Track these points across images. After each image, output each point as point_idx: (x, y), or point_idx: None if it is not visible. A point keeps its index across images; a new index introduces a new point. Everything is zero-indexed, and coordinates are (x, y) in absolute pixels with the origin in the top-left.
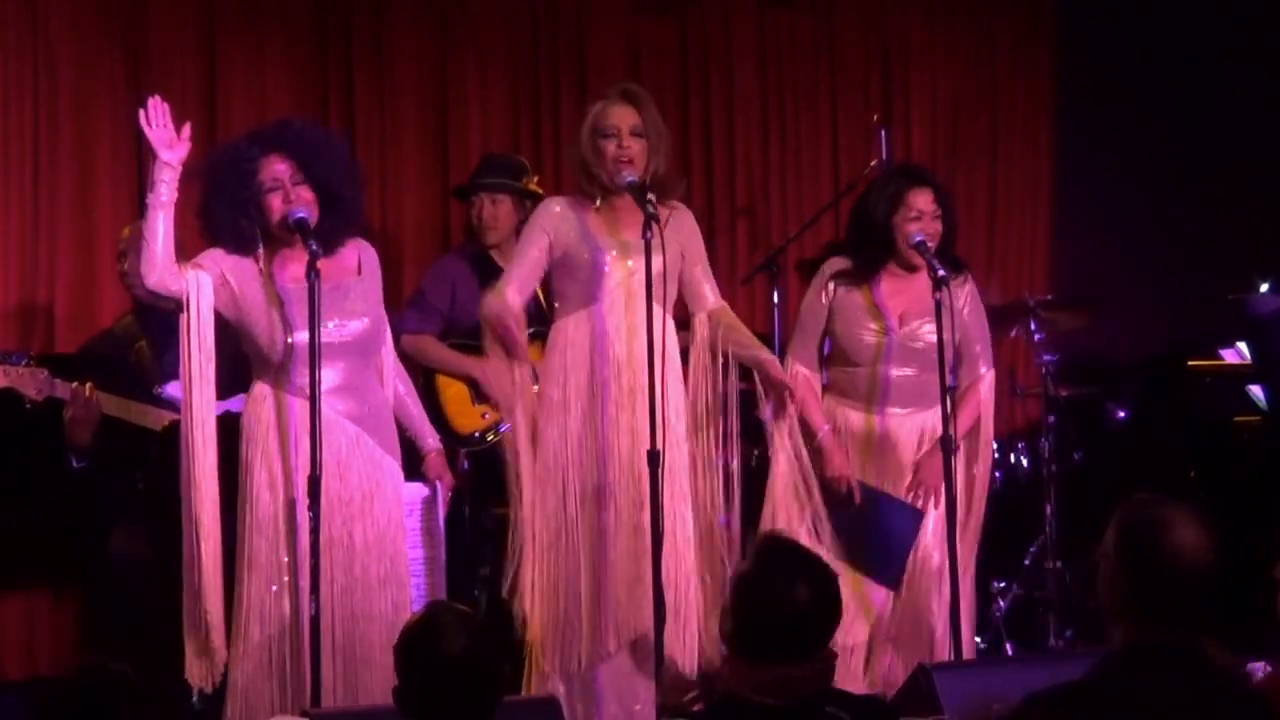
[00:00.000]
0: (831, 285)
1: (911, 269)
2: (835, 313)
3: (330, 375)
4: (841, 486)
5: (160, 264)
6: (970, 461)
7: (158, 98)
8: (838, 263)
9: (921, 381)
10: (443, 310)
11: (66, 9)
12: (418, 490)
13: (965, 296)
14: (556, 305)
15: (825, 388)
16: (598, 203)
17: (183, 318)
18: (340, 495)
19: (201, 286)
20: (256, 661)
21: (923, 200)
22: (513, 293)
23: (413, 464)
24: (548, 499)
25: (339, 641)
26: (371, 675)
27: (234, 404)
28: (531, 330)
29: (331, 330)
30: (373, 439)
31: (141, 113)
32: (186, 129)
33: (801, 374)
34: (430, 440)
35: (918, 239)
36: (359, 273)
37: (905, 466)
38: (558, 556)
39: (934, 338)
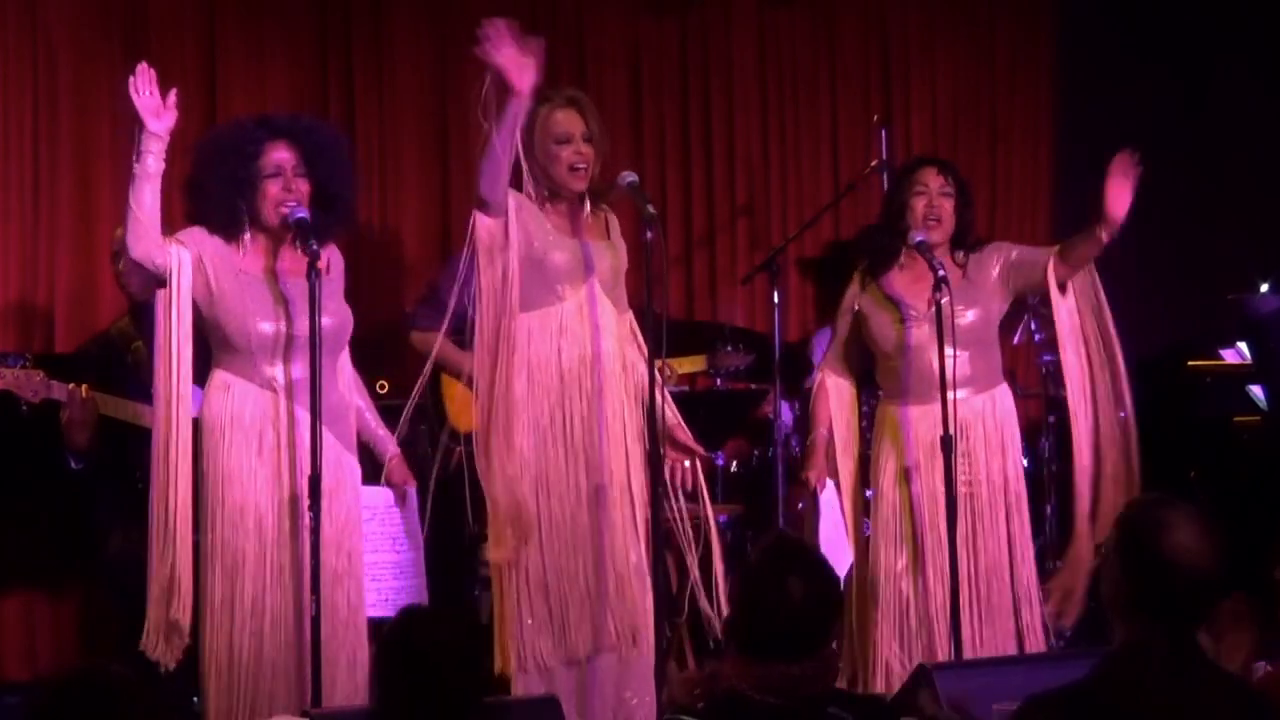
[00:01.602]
0: (859, 287)
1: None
2: (868, 315)
3: (292, 370)
4: (807, 488)
5: (147, 235)
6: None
7: (145, 64)
8: (863, 263)
9: (966, 361)
10: (455, 310)
11: (66, 9)
12: (380, 495)
13: (996, 255)
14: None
15: (881, 397)
16: (545, 204)
17: (161, 293)
18: (301, 490)
19: (183, 263)
20: (226, 657)
21: (928, 175)
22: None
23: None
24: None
25: (295, 637)
26: (330, 670)
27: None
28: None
29: (297, 325)
30: (330, 434)
31: (131, 80)
32: (172, 96)
33: (823, 380)
34: (391, 447)
35: (918, 239)
36: (328, 272)
37: (974, 449)
38: (526, 553)
39: (969, 319)
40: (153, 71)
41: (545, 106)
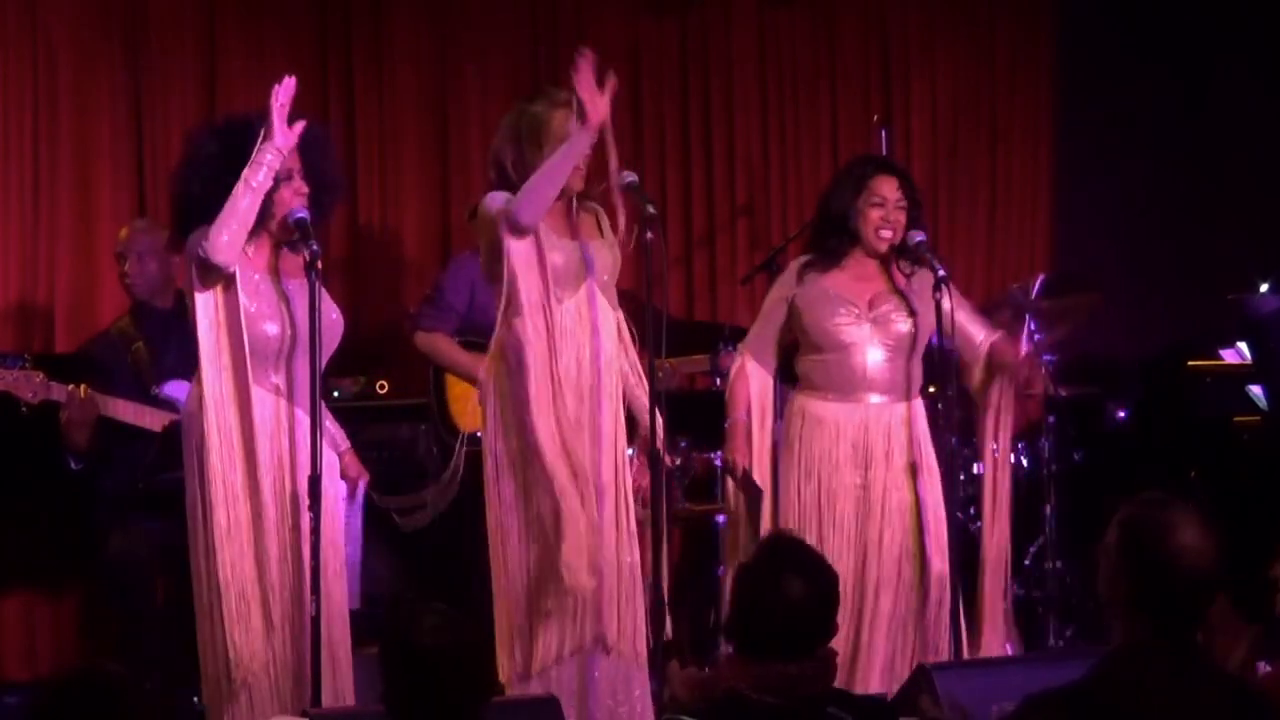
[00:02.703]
0: (795, 279)
1: (877, 256)
2: (803, 308)
3: (289, 373)
4: (736, 472)
5: (239, 241)
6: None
7: (291, 78)
8: (804, 257)
9: (895, 368)
10: (460, 311)
11: (66, 9)
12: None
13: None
14: (508, 304)
15: (796, 384)
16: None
17: (204, 298)
18: (302, 490)
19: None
20: (228, 658)
21: (887, 187)
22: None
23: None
24: (510, 495)
25: (296, 638)
26: (335, 670)
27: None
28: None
29: (299, 326)
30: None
31: (275, 90)
32: (299, 126)
33: (743, 364)
34: (342, 441)
35: (918, 239)
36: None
37: (887, 456)
38: (521, 554)
39: (905, 327)
40: (294, 90)
41: (542, 105)
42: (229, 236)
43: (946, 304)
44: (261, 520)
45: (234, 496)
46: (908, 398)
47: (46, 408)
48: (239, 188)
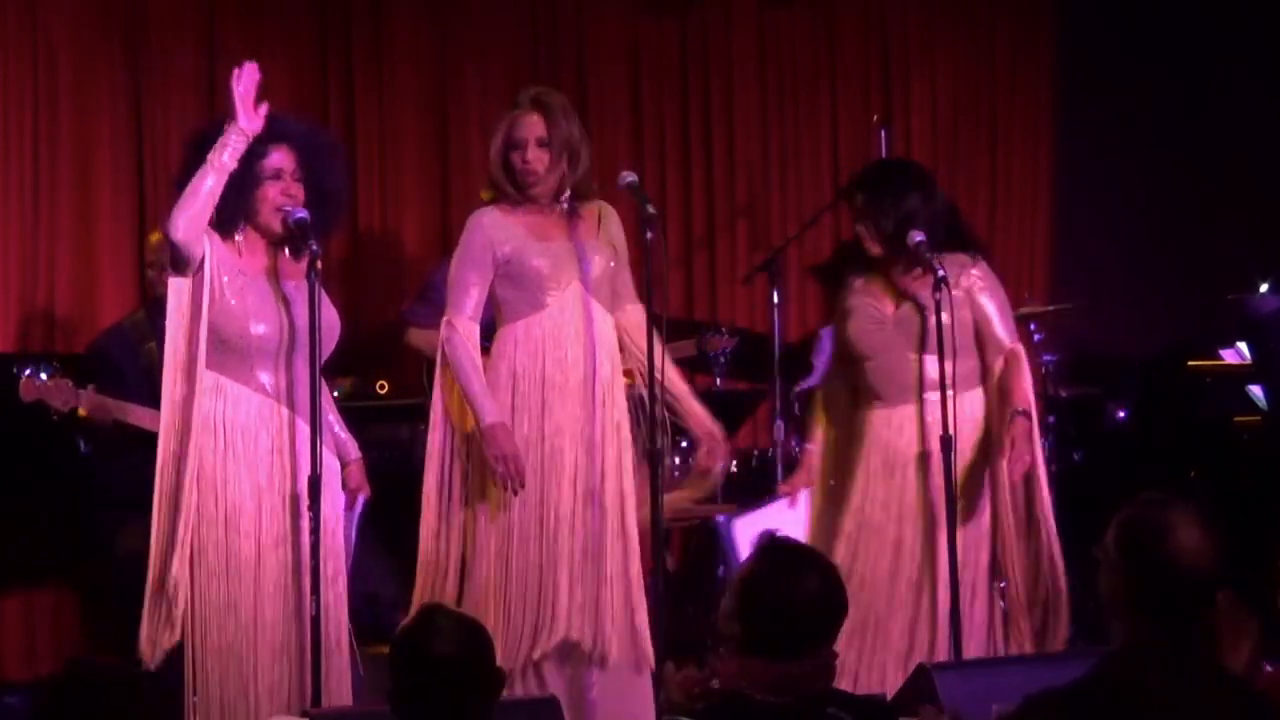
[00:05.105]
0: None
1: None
2: (848, 314)
3: (285, 374)
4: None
5: (198, 222)
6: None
7: (254, 64)
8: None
9: (910, 371)
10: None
11: (66, 9)
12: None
13: (975, 279)
14: (496, 312)
15: (856, 401)
16: (521, 209)
17: (183, 281)
18: (301, 490)
19: (207, 257)
20: (222, 660)
21: None
22: (470, 322)
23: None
24: (496, 503)
25: (293, 639)
26: (332, 670)
27: None
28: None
29: (296, 327)
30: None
31: (235, 71)
32: (264, 108)
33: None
34: (352, 451)
35: (917, 240)
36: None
37: (906, 462)
38: (509, 560)
39: (919, 328)
40: (258, 75)
41: (512, 111)
42: (188, 215)
43: (946, 302)
44: (239, 518)
45: (207, 491)
46: (920, 396)
47: (74, 414)
48: (203, 168)
